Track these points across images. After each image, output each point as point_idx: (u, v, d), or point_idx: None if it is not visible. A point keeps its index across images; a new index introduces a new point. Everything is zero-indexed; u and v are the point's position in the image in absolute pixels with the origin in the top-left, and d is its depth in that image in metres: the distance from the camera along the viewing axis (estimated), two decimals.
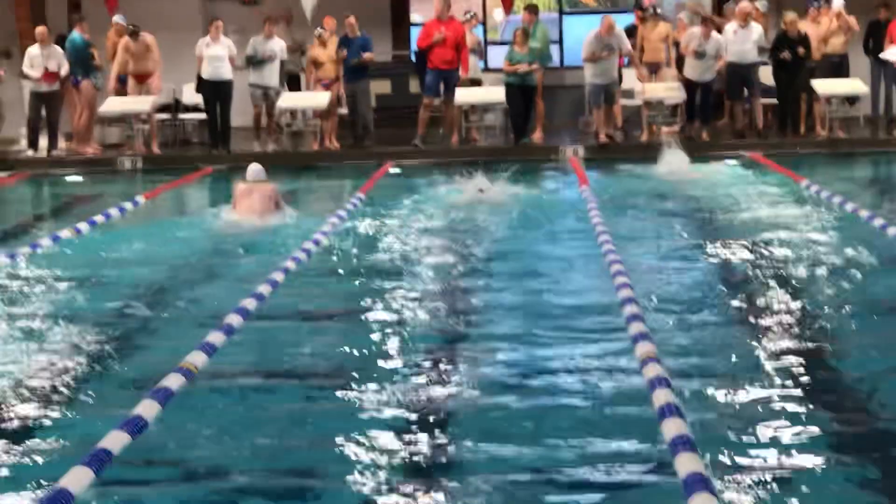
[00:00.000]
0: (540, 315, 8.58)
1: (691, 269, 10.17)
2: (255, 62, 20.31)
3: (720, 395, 6.59)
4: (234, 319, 8.15)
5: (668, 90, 20.54)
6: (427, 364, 7.36)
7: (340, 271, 10.44)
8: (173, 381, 6.61)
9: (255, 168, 13.70)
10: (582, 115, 22.27)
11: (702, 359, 7.34)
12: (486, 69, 23.34)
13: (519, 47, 19.96)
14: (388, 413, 6.44)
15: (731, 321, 8.35)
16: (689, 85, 19.99)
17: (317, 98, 20.61)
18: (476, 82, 21.52)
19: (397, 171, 18.62)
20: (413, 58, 23.18)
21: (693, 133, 19.88)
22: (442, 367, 7.28)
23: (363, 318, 8.55)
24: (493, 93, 20.73)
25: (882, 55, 20.46)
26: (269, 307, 8.82)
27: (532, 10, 20.63)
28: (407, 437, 6.05)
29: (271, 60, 20.43)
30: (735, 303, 8.86)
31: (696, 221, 13.01)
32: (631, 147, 19.81)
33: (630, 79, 21.20)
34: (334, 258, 10.99)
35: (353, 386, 6.88)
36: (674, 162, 17.35)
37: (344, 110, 21.01)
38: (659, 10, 21.63)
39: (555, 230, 12.54)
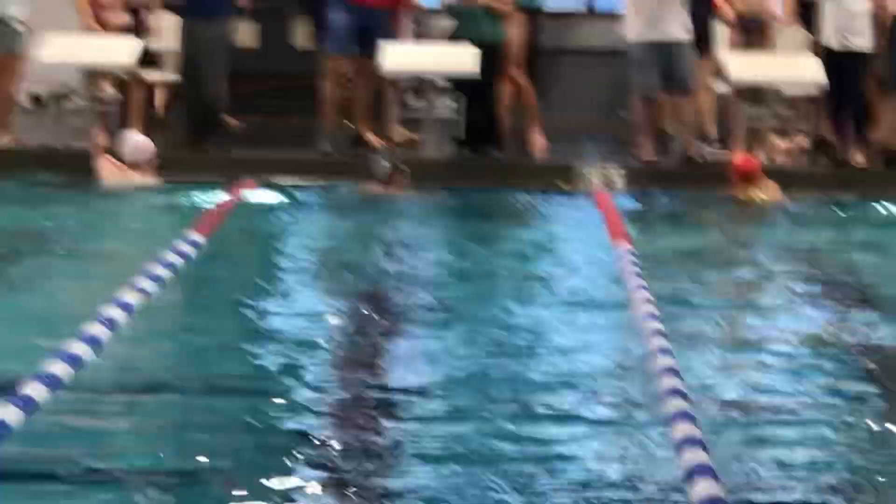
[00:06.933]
0: None
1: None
2: None
3: None
4: None
5: (787, 68, 13.00)
6: None
7: None
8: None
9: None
10: (624, 110, 14.60)
11: None
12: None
13: None
14: None
15: None
16: (834, 61, 12.79)
17: (109, 47, 12.65)
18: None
19: (264, 199, 11.74)
20: None
21: (843, 153, 13.03)
22: None
23: None
24: (458, 57, 13.05)
25: None
26: None
27: None
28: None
29: None
30: None
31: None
32: (706, 172, 12.76)
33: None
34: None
35: None
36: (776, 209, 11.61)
37: (164, 76, 13.55)
38: None
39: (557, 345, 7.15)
